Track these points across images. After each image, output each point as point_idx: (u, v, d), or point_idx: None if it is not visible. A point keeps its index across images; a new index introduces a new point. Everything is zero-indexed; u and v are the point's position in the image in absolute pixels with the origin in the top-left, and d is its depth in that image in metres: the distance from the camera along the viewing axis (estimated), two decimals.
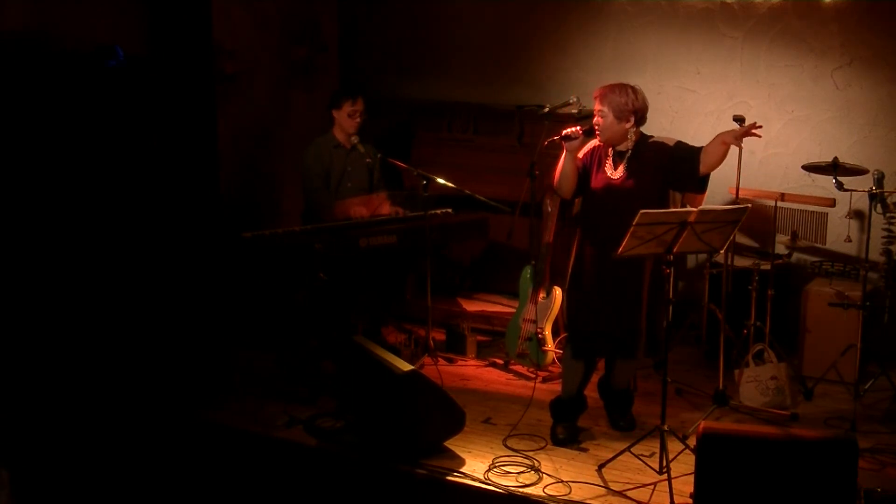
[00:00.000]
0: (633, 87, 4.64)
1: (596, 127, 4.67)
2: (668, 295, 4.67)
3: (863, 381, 5.20)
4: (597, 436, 4.92)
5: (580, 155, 4.75)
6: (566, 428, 4.87)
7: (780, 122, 6.13)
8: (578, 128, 4.65)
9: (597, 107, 4.65)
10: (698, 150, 4.59)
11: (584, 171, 4.75)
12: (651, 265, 4.65)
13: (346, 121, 5.75)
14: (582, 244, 4.77)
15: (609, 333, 4.71)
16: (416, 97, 7.02)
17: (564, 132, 4.64)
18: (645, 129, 4.73)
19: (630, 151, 4.67)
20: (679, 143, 4.67)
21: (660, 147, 4.66)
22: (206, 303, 5.76)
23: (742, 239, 6.02)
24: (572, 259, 4.82)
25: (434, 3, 7.08)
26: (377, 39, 7.28)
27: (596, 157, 4.74)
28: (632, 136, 4.66)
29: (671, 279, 4.54)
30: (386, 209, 5.84)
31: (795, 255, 5.91)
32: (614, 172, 4.67)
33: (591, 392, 5.03)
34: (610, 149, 4.71)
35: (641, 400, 5.17)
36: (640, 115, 4.65)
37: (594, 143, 4.77)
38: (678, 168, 4.59)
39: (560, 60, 6.69)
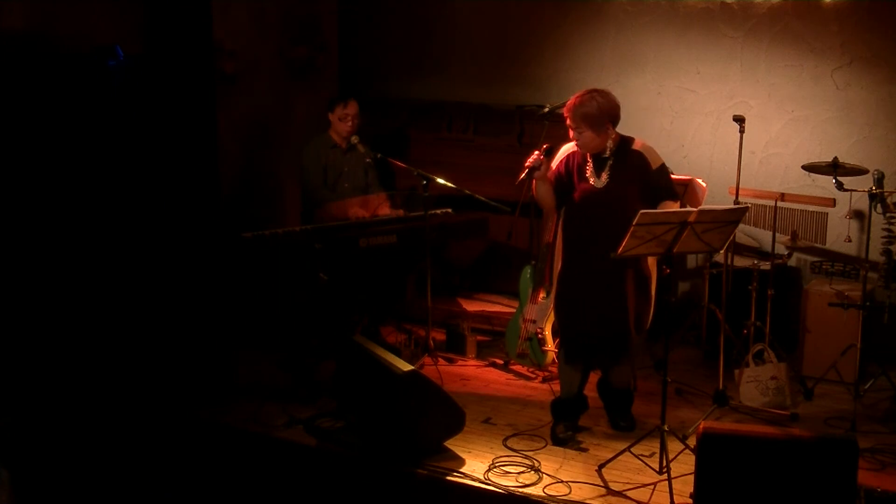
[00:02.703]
0: (598, 92, 4.54)
1: (575, 142, 4.60)
2: (652, 292, 4.69)
3: (863, 381, 5.21)
4: (597, 436, 4.92)
5: (554, 166, 4.69)
6: (566, 428, 4.87)
7: (780, 122, 6.14)
8: (537, 154, 4.58)
9: (570, 125, 4.56)
10: (667, 194, 4.58)
11: (562, 180, 4.68)
12: (633, 268, 4.62)
13: (338, 124, 5.84)
14: (569, 252, 4.72)
15: (598, 340, 4.68)
16: (416, 97, 7.02)
17: (527, 165, 4.57)
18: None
19: (612, 158, 4.60)
20: (659, 175, 4.59)
21: (642, 162, 4.57)
22: (207, 303, 5.75)
23: (742, 239, 6.02)
24: (558, 267, 4.78)
25: (434, 3, 7.08)
26: (377, 39, 7.28)
27: (575, 165, 4.66)
28: (611, 144, 4.59)
29: (673, 279, 4.57)
30: (386, 210, 5.85)
31: (795, 255, 5.91)
32: (598, 180, 4.59)
33: (592, 392, 5.04)
34: (588, 154, 4.63)
35: (641, 400, 5.17)
36: (615, 117, 4.56)
37: (570, 149, 4.70)
38: (651, 198, 4.55)
39: (560, 60, 6.69)
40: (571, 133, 4.59)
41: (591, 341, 4.70)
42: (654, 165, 4.60)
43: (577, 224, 4.69)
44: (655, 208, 4.50)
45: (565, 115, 4.58)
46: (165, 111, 5.56)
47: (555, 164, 4.70)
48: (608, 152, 4.61)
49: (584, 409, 4.98)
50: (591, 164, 4.62)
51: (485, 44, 6.94)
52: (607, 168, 4.59)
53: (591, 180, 4.61)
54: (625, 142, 4.63)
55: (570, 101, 4.56)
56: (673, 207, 4.52)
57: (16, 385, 5.03)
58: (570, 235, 4.72)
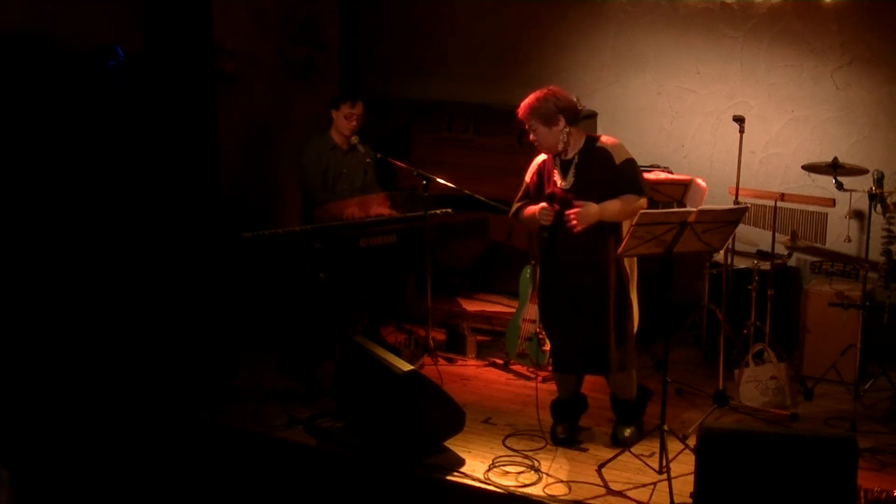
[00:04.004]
0: (549, 89, 4.54)
1: (535, 143, 4.59)
2: (631, 296, 4.68)
3: (863, 381, 5.21)
4: (597, 436, 4.92)
5: (528, 179, 4.70)
6: (566, 428, 4.87)
7: (780, 122, 6.14)
8: (546, 205, 4.52)
9: (525, 126, 4.57)
10: (628, 187, 4.50)
11: (537, 189, 4.66)
12: (615, 272, 4.59)
13: (342, 122, 5.81)
14: (545, 259, 4.70)
15: (583, 349, 4.64)
16: (415, 97, 7.02)
17: (547, 222, 4.51)
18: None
19: (577, 158, 4.56)
20: (623, 170, 4.51)
21: (605, 158, 4.52)
22: (207, 303, 5.75)
23: (742, 239, 6.01)
24: (538, 277, 4.77)
25: (434, 3, 7.08)
26: (377, 39, 7.28)
27: (546, 171, 4.65)
28: (566, 138, 4.54)
29: (671, 279, 4.56)
30: (385, 210, 5.84)
31: (795, 255, 5.91)
32: (563, 182, 4.56)
33: (592, 392, 5.03)
34: (555, 158, 4.61)
35: None
36: (569, 113, 4.52)
37: (541, 160, 4.69)
38: (617, 193, 4.52)
39: (560, 60, 6.69)
40: (531, 136, 4.59)
41: (577, 347, 4.66)
42: (619, 160, 4.52)
43: (548, 229, 4.62)
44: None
45: (519, 116, 4.58)
46: (165, 111, 5.56)
47: (528, 177, 4.72)
48: (573, 153, 4.58)
49: (584, 409, 4.98)
50: (558, 168, 4.60)
51: (485, 44, 6.94)
52: (572, 168, 4.57)
53: (559, 182, 4.58)
54: (590, 141, 4.60)
55: (522, 102, 4.56)
56: (632, 202, 4.45)
57: (16, 385, 5.03)
58: (544, 241, 4.66)
